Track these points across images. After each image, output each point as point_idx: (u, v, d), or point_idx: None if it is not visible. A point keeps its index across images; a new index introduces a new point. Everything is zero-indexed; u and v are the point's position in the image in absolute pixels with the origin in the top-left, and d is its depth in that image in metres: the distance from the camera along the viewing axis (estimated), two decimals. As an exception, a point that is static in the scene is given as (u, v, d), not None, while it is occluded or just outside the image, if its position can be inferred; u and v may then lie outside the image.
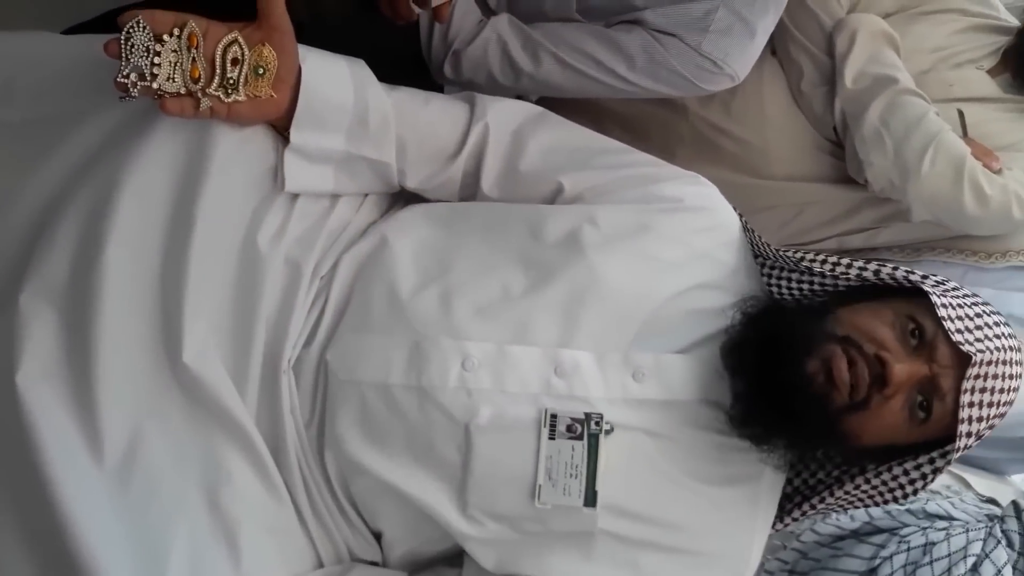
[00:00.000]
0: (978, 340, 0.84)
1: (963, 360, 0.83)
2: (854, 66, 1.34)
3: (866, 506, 0.95)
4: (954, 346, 0.83)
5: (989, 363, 0.83)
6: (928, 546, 1.12)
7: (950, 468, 1.33)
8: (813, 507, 0.94)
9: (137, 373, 0.83)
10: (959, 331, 0.84)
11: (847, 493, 0.91)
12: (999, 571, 1.08)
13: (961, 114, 1.37)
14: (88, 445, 0.80)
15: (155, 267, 0.84)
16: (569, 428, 0.84)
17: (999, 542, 1.12)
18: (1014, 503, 1.19)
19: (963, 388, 0.82)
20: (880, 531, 1.19)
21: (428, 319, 0.87)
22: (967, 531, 1.14)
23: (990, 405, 0.83)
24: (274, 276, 0.87)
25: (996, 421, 0.86)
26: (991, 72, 1.41)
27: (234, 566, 0.83)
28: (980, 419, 0.83)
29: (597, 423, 0.84)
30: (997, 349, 0.84)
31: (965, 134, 1.36)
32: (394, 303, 0.88)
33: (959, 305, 0.87)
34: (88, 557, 0.78)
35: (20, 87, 0.88)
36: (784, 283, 0.96)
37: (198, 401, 0.84)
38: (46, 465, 0.78)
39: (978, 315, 0.87)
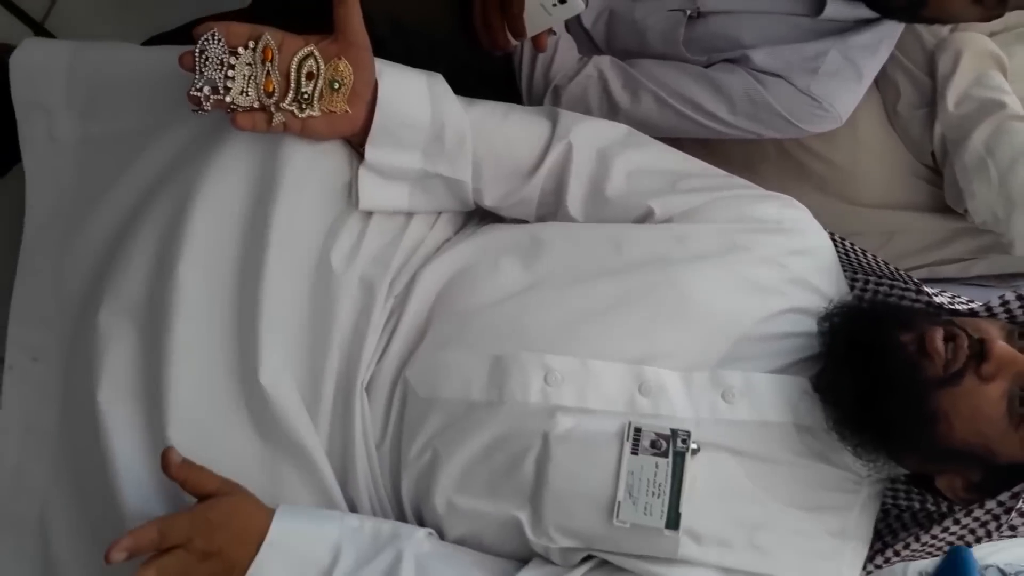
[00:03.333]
0: None
1: None
2: (958, 88, 1.26)
3: (952, 547, 0.87)
4: None
5: None
6: None
7: None
8: (898, 552, 0.88)
9: (210, 395, 0.83)
10: None
11: (934, 537, 0.85)
12: None
13: (1073, 143, 1.28)
14: (155, 475, 0.80)
15: (229, 286, 0.83)
16: (653, 444, 0.80)
17: None
18: None
19: None
20: None
21: (509, 333, 0.84)
22: None
23: None
24: (349, 295, 0.86)
25: None
26: None
27: None
28: None
29: (684, 440, 0.81)
30: None
31: (1076, 165, 1.27)
32: (476, 318, 0.86)
33: None
34: None
35: (103, 101, 0.89)
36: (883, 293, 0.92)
37: (268, 427, 0.83)
38: (118, 486, 0.80)
39: None
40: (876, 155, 1.33)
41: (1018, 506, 0.79)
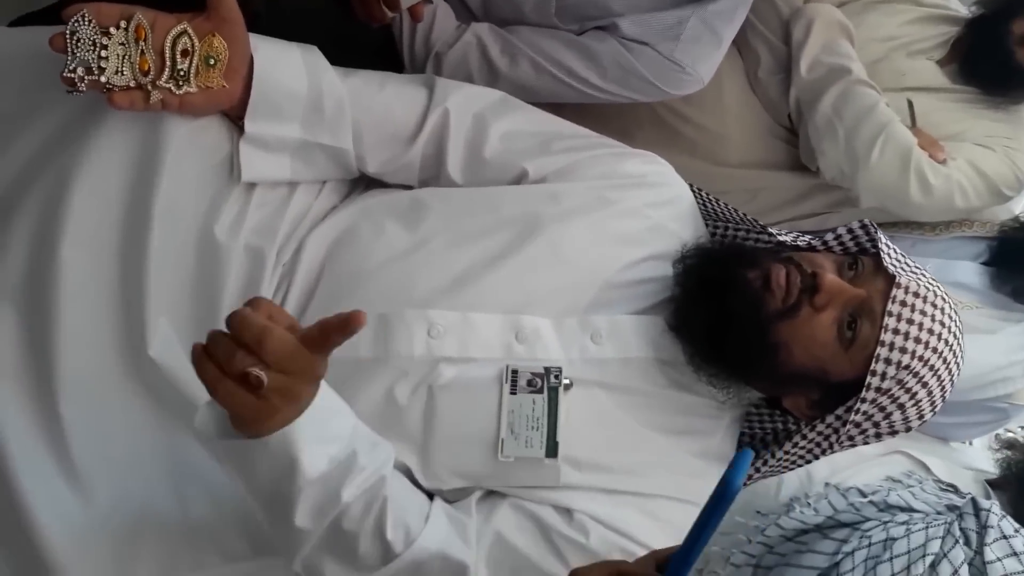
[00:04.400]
0: (911, 274, 0.88)
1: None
2: (809, 55, 1.38)
3: (807, 462, 0.98)
4: (888, 278, 0.86)
5: (916, 294, 0.86)
6: (888, 541, 1.17)
7: (911, 453, 1.40)
8: (759, 469, 0.98)
9: (99, 370, 0.84)
10: (894, 263, 0.88)
11: (790, 452, 0.95)
12: (956, 571, 1.13)
13: (910, 103, 1.43)
14: (49, 446, 0.82)
15: (114, 264, 0.84)
16: (530, 383, 0.87)
17: (957, 541, 1.18)
18: (973, 501, 1.24)
19: (888, 310, 0.85)
20: (843, 525, 1.24)
21: (392, 292, 0.89)
22: (927, 527, 1.19)
23: (916, 341, 0.85)
24: (235, 265, 0.88)
25: (921, 368, 0.86)
26: (940, 62, 1.47)
27: (197, 557, 0.86)
28: (903, 350, 0.85)
29: (556, 376, 0.88)
30: (927, 288, 0.87)
31: (914, 123, 1.42)
32: (361, 280, 0.90)
33: (902, 256, 0.91)
34: (55, 553, 0.81)
35: None
36: (739, 237, 1.01)
37: (162, 397, 0.85)
38: (14, 476, 0.81)
39: (917, 267, 0.91)
40: (740, 118, 1.45)
41: (852, 418, 0.89)
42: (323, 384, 0.75)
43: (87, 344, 0.84)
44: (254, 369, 0.68)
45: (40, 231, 0.83)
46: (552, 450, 0.87)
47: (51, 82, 0.81)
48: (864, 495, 1.25)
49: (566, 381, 0.87)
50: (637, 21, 1.21)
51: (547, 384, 0.87)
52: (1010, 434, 1.62)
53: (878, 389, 0.86)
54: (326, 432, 0.76)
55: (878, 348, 0.84)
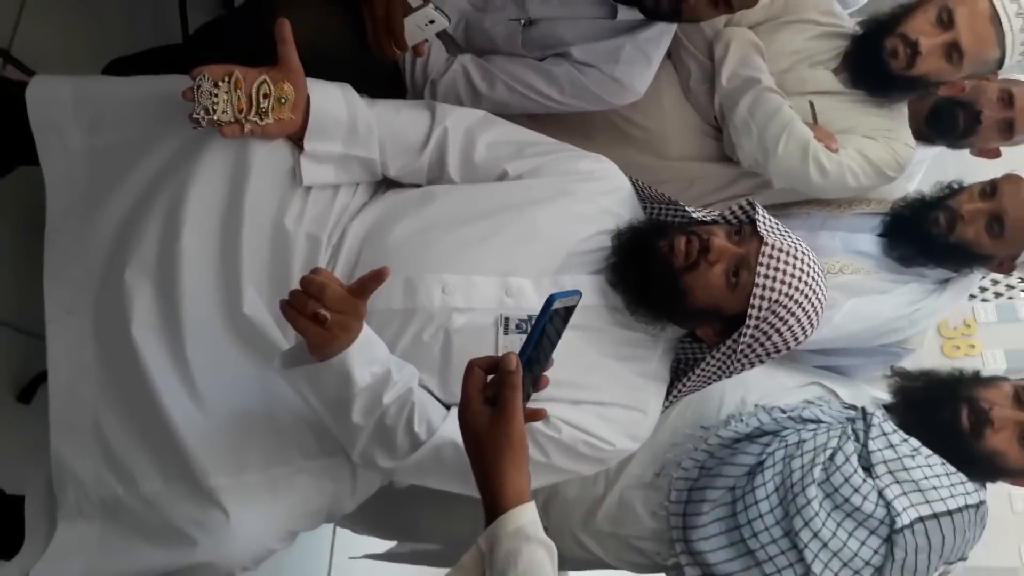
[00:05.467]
0: (778, 235, 1.18)
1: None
2: (728, 69, 1.68)
3: (720, 378, 1.29)
4: (761, 239, 1.17)
5: (782, 250, 1.17)
6: (800, 443, 1.50)
7: (822, 383, 1.72)
8: (684, 384, 1.30)
9: (211, 324, 1.16)
10: (767, 230, 1.19)
11: (703, 370, 1.27)
12: (847, 459, 1.45)
13: (812, 104, 1.73)
14: (180, 376, 1.15)
15: (217, 249, 1.17)
16: (518, 325, 1.21)
17: (849, 438, 1.50)
18: (863, 409, 1.57)
19: (759, 261, 1.16)
20: (767, 433, 1.56)
21: (413, 260, 1.21)
22: (828, 431, 1.52)
23: (782, 283, 1.16)
24: (299, 247, 1.21)
25: (791, 304, 1.16)
26: (835, 71, 1.76)
27: (287, 454, 1.19)
28: (772, 289, 1.16)
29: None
30: (792, 246, 1.18)
31: (815, 121, 1.72)
32: (391, 252, 1.21)
33: (776, 223, 1.23)
34: (191, 456, 1.13)
35: (105, 120, 1.20)
36: (666, 218, 1.34)
37: (253, 342, 1.18)
38: (156, 391, 1.12)
39: (787, 232, 1.22)
40: (676, 120, 1.75)
41: (742, 340, 1.20)
42: (366, 326, 1.09)
43: (201, 306, 1.16)
44: (320, 310, 1.02)
45: (166, 226, 1.16)
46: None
47: (168, 119, 1.14)
48: (784, 412, 1.59)
49: None
50: (585, 49, 1.52)
51: (529, 325, 1.19)
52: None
53: (758, 318, 1.18)
54: (369, 355, 1.10)
55: (754, 288, 1.17)
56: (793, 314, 1.19)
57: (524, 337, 1.17)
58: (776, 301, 1.17)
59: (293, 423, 1.20)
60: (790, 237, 1.22)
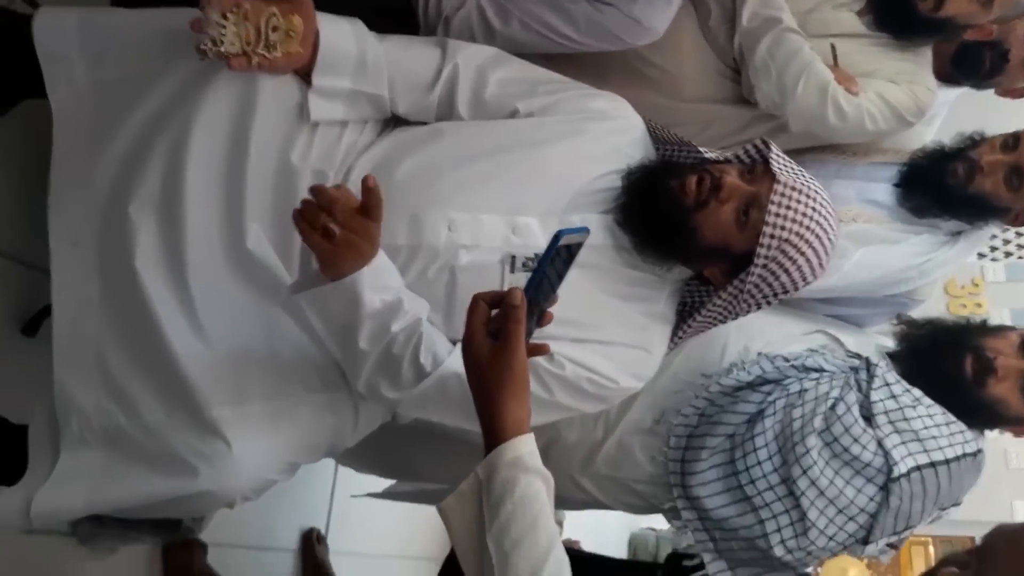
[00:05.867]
0: (791, 174, 1.17)
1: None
2: (749, 8, 1.64)
3: (726, 319, 1.28)
4: (774, 176, 1.16)
5: (794, 188, 1.15)
6: (801, 392, 1.51)
7: (828, 331, 1.72)
8: (690, 324, 1.30)
9: (214, 258, 1.17)
10: (780, 168, 1.17)
11: (711, 309, 1.27)
12: (848, 408, 1.46)
13: (833, 47, 1.69)
14: (183, 309, 1.15)
15: (222, 183, 1.17)
16: (524, 264, 1.20)
17: (851, 388, 1.51)
18: (866, 359, 1.57)
19: (771, 199, 1.15)
20: (769, 382, 1.57)
21: (419, 195, 1.20)
22: (831, 380, 1.53)
23: (792, 221, 1.15)
24: (305, 183, 1.20)
25: (801, 243, 1.16)
26: (859, 13, 1.72)
27: (289, 386, 1.20)
28: (782, 227, 1.15)
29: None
30: (805, 185, 1.16)
31: (836, 63, 1.69)
32: (395, 189, 1.19)
33: (789, 162, 1.21)
34: (193, 386, 1.14)
35: (111, 53, 1.18)
36: (679, 159, 1.32)
37: (255, 276, 1.18)
38: (159, 323, 1.14)
39: (802, 172, 1.20)
40: (694, 61, 1.71)
41: (750, 279, 1.19)
42: (381, 252, 1.09)
43: (205, 240, 1.17)
44: (329, 223, 1.02)
45: (170, 160, 1.15)
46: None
47: (174, 51, 1.13)
48: (787, 360, 1.59)
49: None
50: None
51: (536, 265, 1.19)
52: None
53: (767, 257, 1.17)
54: (380, 282, 1.10)
55: (764, 227, 1.15)
56: (803, 253, 1.18)
57: (528, 275, 1.17)
58: (786, 240, 1.16)
59: (296, 357, 1.22)
60: (804, 176, 1.21)
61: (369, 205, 1.05)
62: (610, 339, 1.25)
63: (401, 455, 1.69)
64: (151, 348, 1.15)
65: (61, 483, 1.14)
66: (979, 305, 2.91)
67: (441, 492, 1.74)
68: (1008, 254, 3.03)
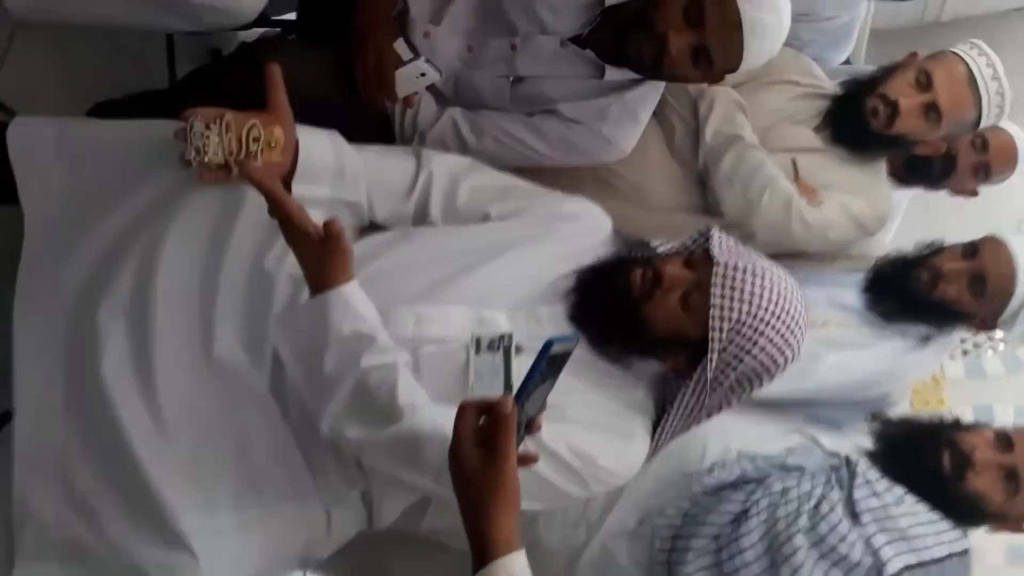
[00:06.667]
0: (732, 254, 1.15)
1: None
2: (712, 126, 1.72)
3: (701, 415, 1.25)
4: (713, 258, 1.15)
5: (735, 268, 1.13)
6: (784, 491, 1.49)
7: (805, 431, 1.71)
8: (668, 423, 1.27)
9: (182, 365, 1.15)
10: (720, 251, 1.17)
11: (683, 405, 1.23)
12: (833, 507, 1.44)
13: (794, 161, 1.77)
14: (151, 417, 1.13)
15: (194, 287, 1.17)
16: (490, 345, 1.19)
17: (834, 486, 1.50)
18: (846, 458, 1.57)
19: (712, 282, 1.13)
20: (750, 481, 1.55)
21: (389, 293, 1.20)
22: (812, 479, 1.52)
23: (740, 301, 1.11)
24: (280, 288, 1.20)
25: (755, 323, 1.11)
26: (816, 129, 1.81)
27: (259, 496, 1.16)
28: (730, 309, 1.11)
29: (508, 339, 1.19)
30: (749, 263, 1.14)
31: (797, 177, 1.76)
32: (365, 284, 1.17)
33: (733, 244, 1.21)
34: (160, 497, 1.11)
35: (88, 161, 1.20)
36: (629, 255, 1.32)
37: (227, 383, 1.17)
38: (125, 432, 1.11)
39: (749, 251, 1.20)
40: (661, 174, 1.77)
41: (710, 369, 1.15)
42: (355, 282, 1.09)
43: (174, 346, 1.16)
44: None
45: (142, 265, 1.16)
46: (510, 389, 1.16)
47: (154, 160, 1.15)
48: (767, 460, 1.57)
49: (517, 343, 1.18)
50: (573, 106, 1.55)
51: (502, 344, 1.19)
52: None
53: (721, 341, 1.13)
54: (351, 308, 1.09)
55: (711, 309, 1.13)
56: (762, 333, 1.13)
57: (495, 357, 1.15)
58: (738, 321, 1.12)
59: (267, 464, 1.19)
60: (750, 255, 1.19)
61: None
62: (591, 421, 1.21)
63: (377, 564, 1.62)
64: (117, 457, 1.12)
65: None
66: (941, 401, 2.95)
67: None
68: (966, 352, 3.11)
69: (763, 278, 1.14)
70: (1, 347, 1.20)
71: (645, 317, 1.18)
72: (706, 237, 1.26)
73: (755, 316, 1.13)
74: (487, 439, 0.92)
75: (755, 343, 1.14)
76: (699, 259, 1.20)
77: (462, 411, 0.95)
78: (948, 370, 3.01)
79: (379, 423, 1.11)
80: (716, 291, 1.13)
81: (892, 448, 1.62)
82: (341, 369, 1.10)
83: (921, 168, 1.91)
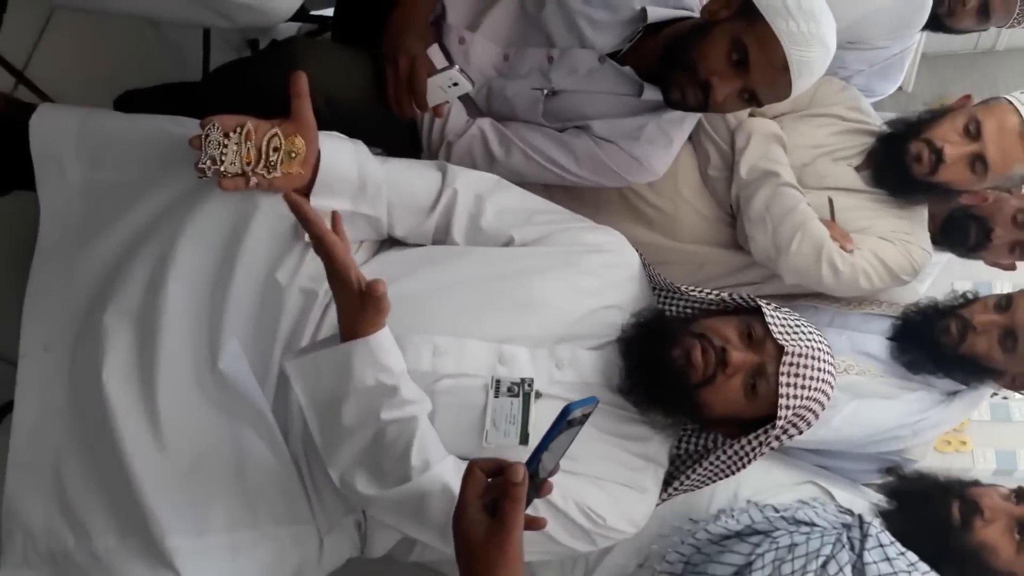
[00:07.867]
0: (794, 341, 1.15)
1: (782, 353, 1.14)
2: (748, 161, 1.65)
3: (726, 475, 1.24)
4: (776, 343, 1.14)
5: (801, 355, 1.14)
6: (792, 546, 1.44)
7: (818, 482, 1.67)
8: (688, 477, 1.25)
9: (185, 375, 1.12)
10: (780, 333, 1.15)
11: (711, 464, 1.22)
12: (840, 568, 1.40)
13: (831, 201, 1.71)
14: (149, 427, 1.10)
15: (205, 299, 1.13)
16: (509, 389, 1.15)
17: (844, 546, 1.45)
18: (859, 517, 1.52)
19: (780, 371, 1.13)
20: (757, 533, 1.51)
21: (407, 319, 1.15)
22: (822, 536, 1.47)
23: (803, 387, 1.13)
24: (291, 302, 1.17)
25: (813, 404, 1.15)
26: (858, 168, 1.74)
27: (253, 518, 1.13)
28: (796, 396, 1.13)
29: (529, 385, 1.16)
30: (808, 348, 1.15)
31: (832, 217, 1.70)
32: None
33: (784, 319, 1.19)
34: (151, 513, 1.08)
35: (108, 157, 1.17)
36: (670, 304, 1.30)
37: (229, 396, 1.14)
38: (121, 441, 1.08)
39: (798, 326, 1.18)
40: (691, 204, 1.72)
41: (765, 444, 1.17)
42: (386, 331, 1.04)
43: (178, 357, 1.12)
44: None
45: (154, 272, 1.12)
46: (525, 439, 1.13)
47: (173, 162, 1.11)
48: (777, 511, 1.54)
49: (537, 389, 1.15)
50: (606, 124, 1.50)
51: (522, 390, 1.15)
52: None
53: (783, 427, 1.15)
54: (377, 359, 1.04)
55: (779, 399, 1.12)
56: (813, 412, 1.18)
57: (514, 403, 1.11)
58: (800, 406, 1.15)
59: (263, 484, 1.15)
60: (802, 331, 1.18)
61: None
62: (603, 476, 1.19)
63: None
64: (111, 467, 1.10)
65: None
66: (964, 443, 2.88)
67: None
68: (994, 393, 3.07)
69: (820, 360, 1.17)
70: (11, 333, 1.19)
71: (704, 400, 1.16)
72: (753, 306, 1.22)
73: (814, 399, 1.16)
74: (494, 505, 0.89)
75: (805, 420, 1.18)
76: (760, 337, 1.17)
77: (470, 472, 0.91)
78: (973, 412, 2.95)
79: (390, 480, 1.09)
80: (784, 380, 1.14)
81: (906, 507, 1.58)
82: (360, 422, 1.07)
83: (957, 235, 1.85)
